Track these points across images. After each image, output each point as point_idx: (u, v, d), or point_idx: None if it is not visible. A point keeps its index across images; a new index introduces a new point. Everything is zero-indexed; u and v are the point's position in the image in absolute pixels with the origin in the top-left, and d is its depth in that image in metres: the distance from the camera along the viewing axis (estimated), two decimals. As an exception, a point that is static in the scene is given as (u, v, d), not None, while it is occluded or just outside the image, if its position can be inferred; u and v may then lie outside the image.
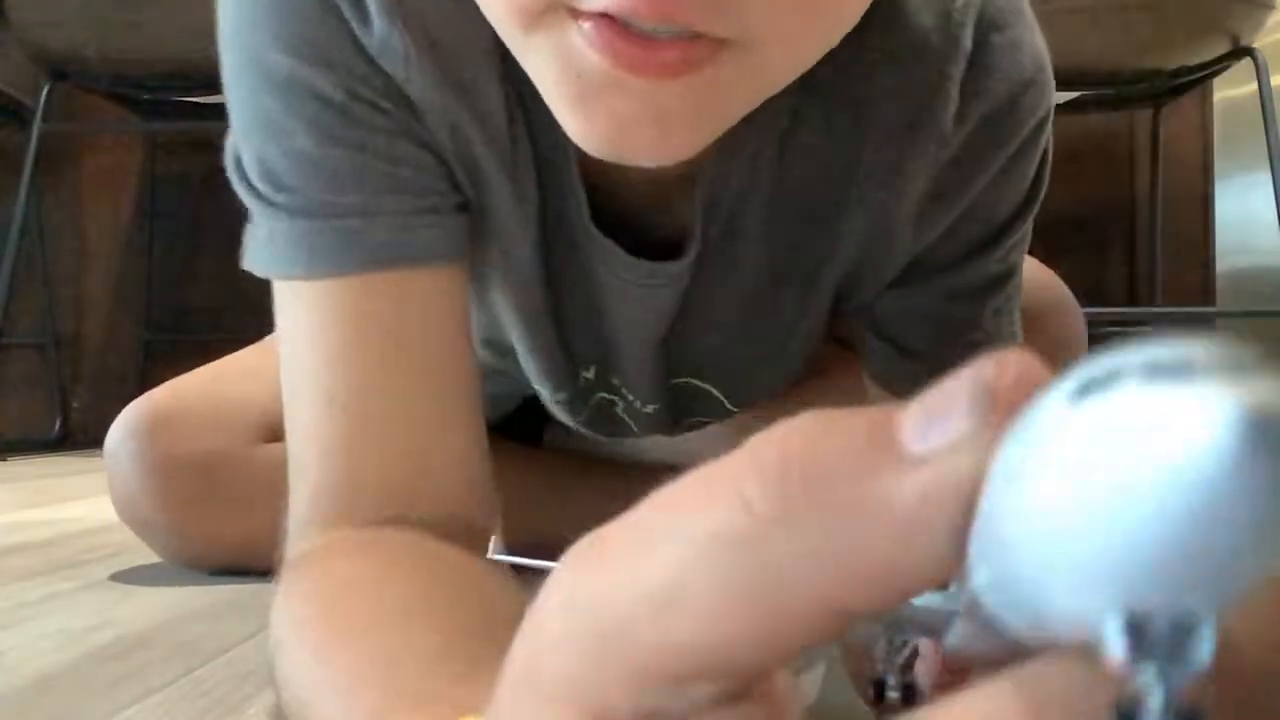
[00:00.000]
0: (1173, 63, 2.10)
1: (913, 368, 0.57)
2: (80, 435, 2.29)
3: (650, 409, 0.64)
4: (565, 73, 0.34)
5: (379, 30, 0.44)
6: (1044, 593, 0.12)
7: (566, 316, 0.57)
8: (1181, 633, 0.11)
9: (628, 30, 0.32)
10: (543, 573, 0.16)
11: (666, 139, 0.36)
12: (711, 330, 0.58)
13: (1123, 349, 0.11)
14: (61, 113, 2.23)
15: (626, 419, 0.66)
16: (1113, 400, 0.11)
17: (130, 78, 2.05)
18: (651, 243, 0.52)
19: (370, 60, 0.45)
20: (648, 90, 0.34)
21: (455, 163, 0.48)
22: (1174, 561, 0.10)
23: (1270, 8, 1.98)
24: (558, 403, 0.64)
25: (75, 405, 2.40)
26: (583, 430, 0.69)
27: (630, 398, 0.63)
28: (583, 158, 0.48)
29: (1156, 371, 0.10)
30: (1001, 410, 0.13)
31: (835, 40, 0.39)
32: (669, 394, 0.63)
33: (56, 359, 2.39)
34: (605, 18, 0.32)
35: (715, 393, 0.64)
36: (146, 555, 0.85)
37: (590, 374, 0.61)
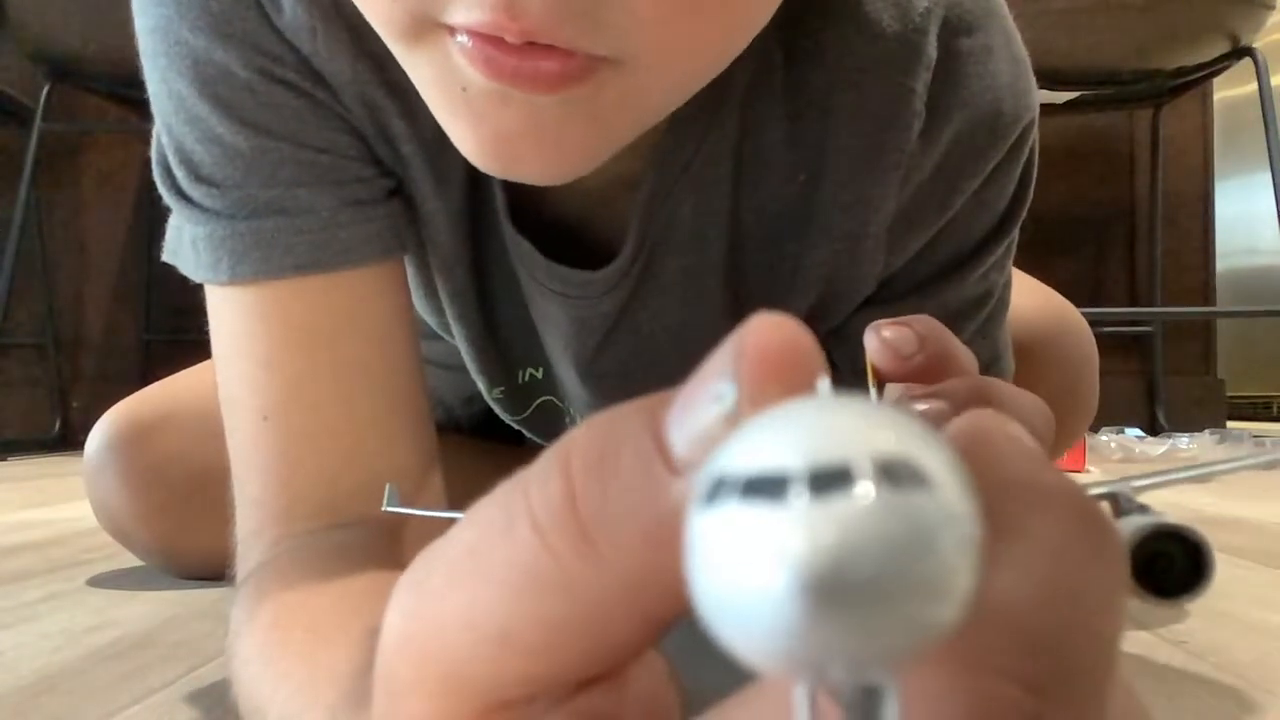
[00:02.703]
0: (1173, 63, 2.10)
1: None
2: (80, 435, 2.28)
3: None
4: (450, 88, 0.34)
5: (287, 6, 0.43)
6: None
7: (496, 309, 0.55)
8: (870, 696, 0.11)
9: (502, 42, 0.31)
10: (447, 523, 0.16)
11: (552, 156, 0.35)
12: (648, 356, 0.54)
13: (747, 437, 0.11)
14: (61, 113, 2.24)
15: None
16: (715, 514, 0.11)
17: (130, 78, 2.03)
18: (590, 251, 0.50)
19: (281, 38, 0.43)
20: (530, 103, 0.33)
21: (375, 140, 0.46)
22: (795, 660, 0.10)
23: (1270, 8, 1.98)
24: (495, 399, 0.61)
25: (75, 405, 2.40)
26: (525, 432, 0.67)
27: (571, 411, 0.62)
28: None
29: (752, 489, 0.11)
30: (759, 379, 0.12)
31: (731, 54, 0.37)
32: None
33: (56, 359, 2.39)
34: (474, 30, 0.32)
35: None
36: (146, 555, 0.85)
37: (539, 374, 0.59)
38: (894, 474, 0.10)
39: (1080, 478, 1.56)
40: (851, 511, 0.10)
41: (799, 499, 0.10)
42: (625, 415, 0.14)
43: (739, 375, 0.12)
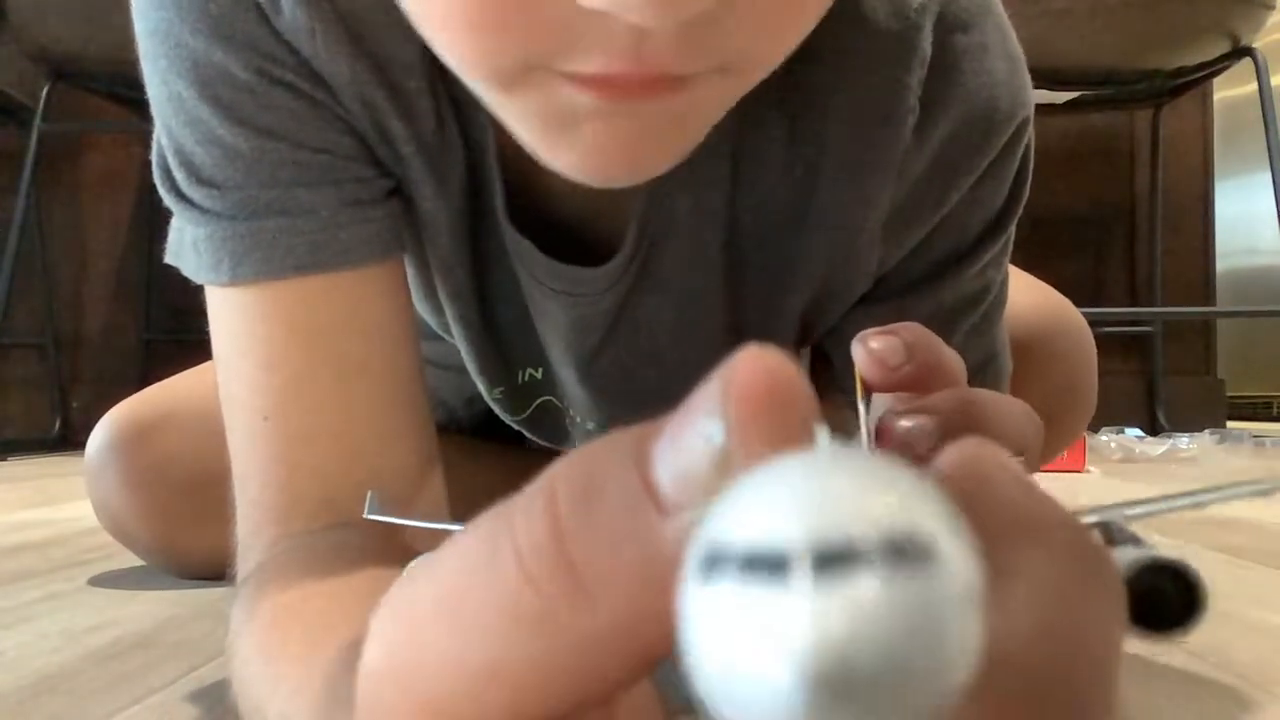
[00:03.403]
0: (1173, 63, 2.10)
1: None
2: (80, 435, 2.28)
3: (591, 425, 0.62)
4: (553, 114, 0.34)
5: (287, 7, 0.43)
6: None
7: (496, 309, 0.55)
8: None
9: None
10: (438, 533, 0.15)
11: (644, 161, 0.36)
12: (646, 354, 0.54)
13: (743, 502, 0.11)
14: (61, 113, 2.23)
15: (572, 430, 0.64)
16: (713, 592, 0.10)
17: (130, 78, 2.03)
18: (588, 249, 0.50)
19: (281, 39, 0.43)
20: (634, 111, 0.33)
21: (374, 140, 0.46)
22: None
23: (1270, 8, 1.98)
24: (495, 399, 0.61)
25: (75, 405, 2.40)
26: (525, 433, 0.67)
27: (571, 411, 0.62)
28: (507, 148, 0.46)
29: (753, 564, 0.10)
30: (748, 420, 0.12)
31: (811, 29, 0.37)
32: (606, 416, 0.60)
33: (56, 359, 2.40)
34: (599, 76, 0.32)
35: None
36: (146, 555, 0.85)
37: (538, 374, 0.59)
38: (900, 551, 0.10)
39: (1079, 479, 1.55)
40: (859, 598, 0.10)
41: (802, 582, 0.10)
42: (611, 449, 0.13)
43: (727, 415, 0.12)
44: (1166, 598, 0.21)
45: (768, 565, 0.10)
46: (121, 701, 0.50)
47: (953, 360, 0.29)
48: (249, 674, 0.37)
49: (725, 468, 0.12)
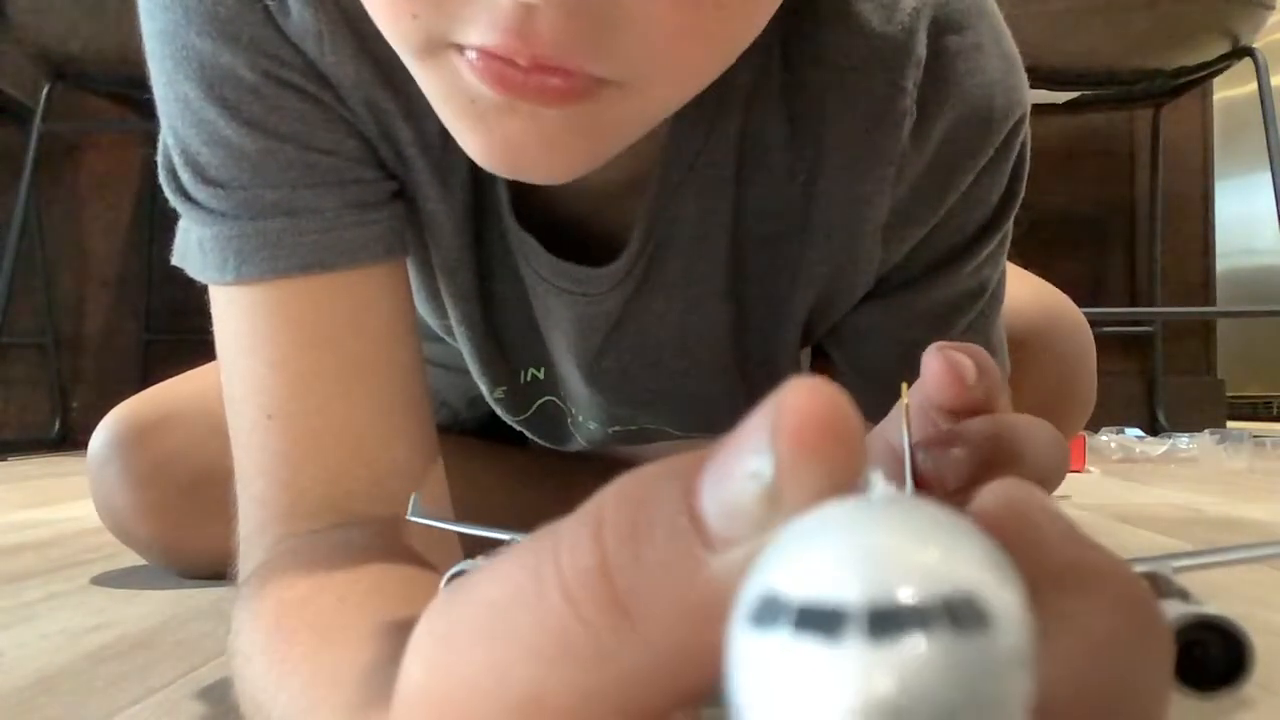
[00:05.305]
0: (1173, 63, 2.10)
1: (882, 400, 0.53)
2: (80, 435, 2.29)
3: (593, 425, 0.62)
4: (458, 98, 0.35)
5: (295, 10, 0.43)
6: None
7: (499, 310, 0.55)
8: None
9: (512, 61, 0.32)
10: (482, 540, 0.15)
11: (556, 160, 0.37)
12: (650, 355, 0.55)
13: (799, 550, 0.11)
14: (61, 113, 2.23)
15: (573, 431, 0.64)
16: (766, 642, 0.10)
17: (130, 78, 2.04)
18: (592, 249, 0.50)
19: (288, 41, 0.44)
20: (534, 113, 0.34)
21: (378, 142, 0.47)
22: None
23: (1270, 8, 1.98)
24: (496, 399, 0.62)
25: (75, 405, 2.40)
26: (527, 433, 0.67)
27: (573, 411, 0.62)
28: None
29: (807, 620, 0.10)
30: (798, 458, 0.12)
31: (725, 67, 0.38)
32: (608, 416, 0.60)
33: (56, 359, 2.39)
34: (486, 50, 0.33)
35: (661, 426, 0.61)
36: (146, 555, 0.85)
37: (541, 374, 0.59)
38: (956, 614, 0.10)
39: (1079, 479, 1.55)
40: (912, 660, 0.10)
41: (856, 640, 0.10)
42: (658, 479, 0.13)
43: (777, 451, 0.12)
44: (1212, 655, 0.21)
45: (823, 620, 0.10)
46: (121, 701, 0.50)
47: (1002, 388, 0.29)
48: (252, 673, 0.37)
49: (774, 504, 0.12)
